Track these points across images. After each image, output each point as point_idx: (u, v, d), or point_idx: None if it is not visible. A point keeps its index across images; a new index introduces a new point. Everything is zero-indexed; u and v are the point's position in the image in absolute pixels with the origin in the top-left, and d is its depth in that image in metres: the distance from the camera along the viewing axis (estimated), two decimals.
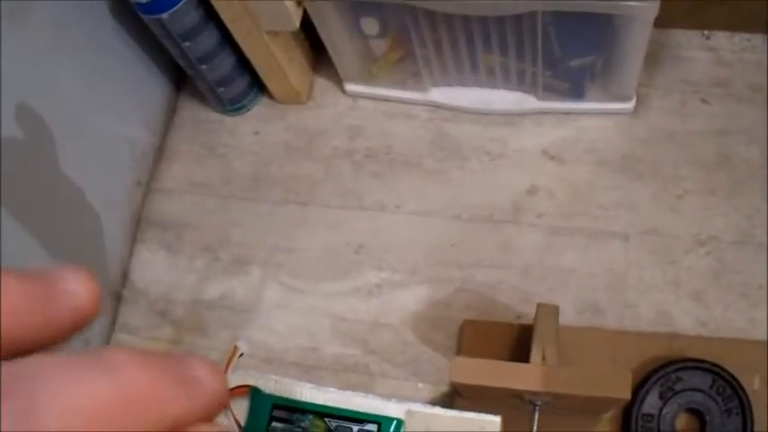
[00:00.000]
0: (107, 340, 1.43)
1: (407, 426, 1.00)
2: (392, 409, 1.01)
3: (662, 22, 1.21)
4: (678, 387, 1.22)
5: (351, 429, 1.01)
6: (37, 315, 0.20)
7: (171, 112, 1.58)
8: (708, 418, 1.20)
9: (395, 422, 0.99)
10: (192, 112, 1.58)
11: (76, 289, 0.22)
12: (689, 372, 1.22)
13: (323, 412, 1.02)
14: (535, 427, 1.08)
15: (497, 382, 1.04)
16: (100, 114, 1.39)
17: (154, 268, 1.47)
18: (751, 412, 1.19)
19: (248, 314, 1.40)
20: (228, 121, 1.56)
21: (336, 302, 1.38)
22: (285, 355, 1.36)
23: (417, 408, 1.01)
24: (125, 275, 1.47)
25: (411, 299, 1.37)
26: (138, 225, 1.51)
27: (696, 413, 1.22)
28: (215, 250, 1.46)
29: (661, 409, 1.21)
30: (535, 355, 1.10)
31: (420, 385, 1.31)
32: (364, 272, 1.39)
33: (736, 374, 1.21)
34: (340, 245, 1.42)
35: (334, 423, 1.01)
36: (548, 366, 1.07)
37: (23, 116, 1.17)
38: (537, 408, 1.08)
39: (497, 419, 1.00)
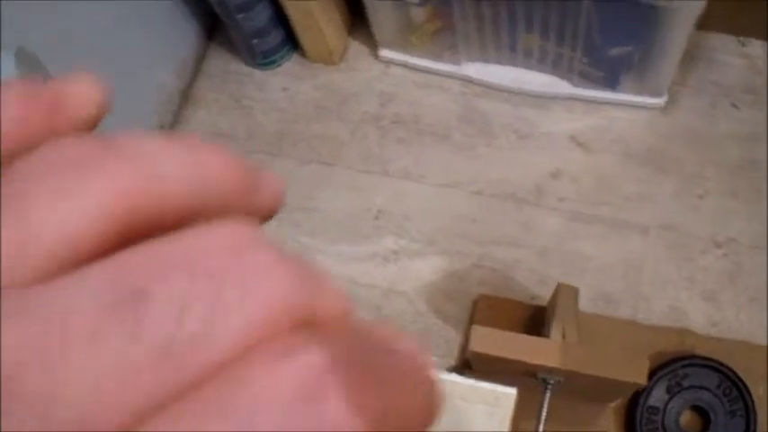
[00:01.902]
0: None
1: None
2: None
3: (700, 24, 1.22)
4: (685, 383, 1.22)
5: None
6: (44, 122, 0.19)
7: (200, 60, 1.57)
8: (712, 417, 1.20)
9: None
10: (222, 62, 1.57)
11: (84, 92, 0.21)
12: (697, 369, 1.22)
13: None
14: (545, 407, 1.08)
15: (517, 355, 1.03)
16: (130, 55, 1.37)
17: None
18: (755, 416, 1.20)
19: None
20: (258, 74, 1.55)
21: (352, 266, 1.38)
22: None
23: None
24: None
25: (427, 269, 1.36)
26: None
27: (701, 411, 1.22)
28: None
29: (667, 404, 1.21)
30: (555, 332, 1.10)
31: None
32: (383, 238, 1.39)
33: (743, 377, 1.21)
34: (360, 209, 1.41)
35: None
36: (568, 344, 1.07)
37: (53, 52, 1.16)
38: (549, 387, 1.08)
39: (513, 391, 1.00)
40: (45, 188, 0.16)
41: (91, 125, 0.22)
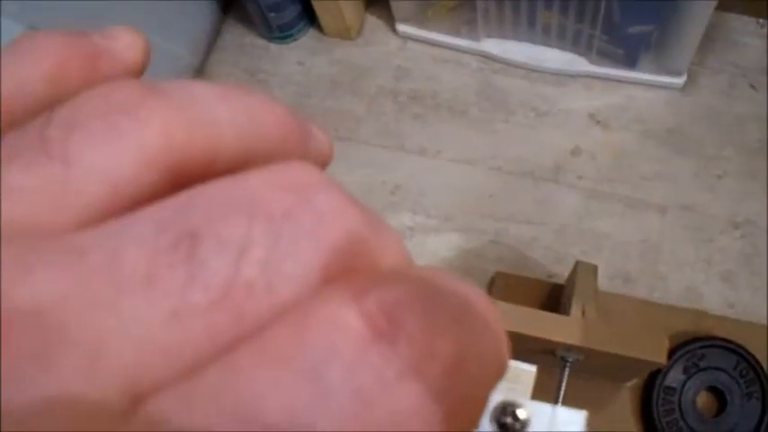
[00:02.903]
0: None
1: None
2: None
3: (720, 4, 1.21)
4: (702, 364, 1.21)
5: None
6: (86, 66, 0.19)
7: (215, 34, 1.56)
8: (728, 398, 1.20)
9: None
10: (237, 36, 1.56)
11: (128, 39, 0.20)
12: (715, 350, 1.22)
13: None
14: (564, 385, 1.07)
15: (537, 332, 1.03)
16: (143, 27, 1.36)
17: None
18: None
19: None
20: (273, 48, 1.53)
21: None
22: None
23: None
24: None
25: (443, 245, 1.35)
26: None
27: (717, 392, 1.22)
28: None
29: (684, 384, 1.21)
30: (575, 309, 1.09)
31: None
32: (399, 213, 1.38)
33: (760, 360, 1.21)
34: (376, 183, 1.40)
35: None
36: (588, 321, 1.06)
37: (66, 20, 1.15)
38: (568, 365, 1.07)
39: (533, 368, 0.99)
40: (88, 132, 0.15)
41: (137, 72, 0.21)
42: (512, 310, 1.04)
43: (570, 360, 1.07)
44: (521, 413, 0.47)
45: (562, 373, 1.08)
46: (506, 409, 0.46)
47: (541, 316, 1.04)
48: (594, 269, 1.15)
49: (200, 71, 1.53)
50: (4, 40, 0.99)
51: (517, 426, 0.47)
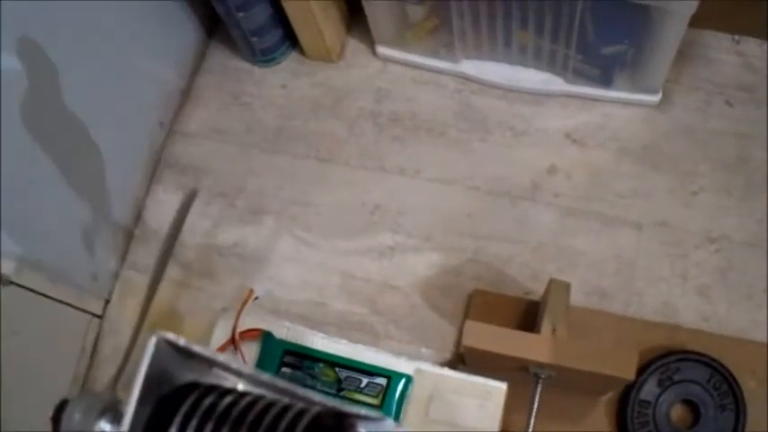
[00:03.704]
0: (115, 277, 1.44)
1: (416, 383, 1.02)
2: (403, 365, 1.02)
3: (695, 21, 1.23)
4: (677, 377, 1.23)
5: (360, 381, 1.02)
6: None
7: (200, 57, 1.59)
8: (702, 410, 1.22)
9: (404, 378, 1.01)
10: (222, 59, 1.59)
11: None
12: (689, 363, 1.24)
13: (333, 362, 1.03)
14: (536, 400, 1.10)
15: (508, 350, 1.05)
16: (131, 51, 1.39)
17: (168, 210, 1.47)
18: (745, 410, 1.21)
19: (258, 264, 1.41)
20: (257, 71, 1.56)
21: (348, 260, 1.40)
22: (291, 308, 1.38)
23: (427, 367, 1.03)
24: (139, 215, 1.48)
25: (422, 264, 1.38)
26: (156, 166, 1.51)
27: (691, 405, 1.24)
28: (231, 197, 1.47)
29: (658, 397, 1.23)
30: (546, 327, 1.12)
31: (423, 350, 1.33)
32: (379, 233, 1.40)
33: (734, 372, 1.23)
34: (357, 204, 1.43)
35: (344, 373, 1.03)
36: (557, 339, 1.09)
37: (55, 45, 1.18)
38: (540, 381, 1.10)
39: (503, 386, 1.02)
40: None
41: None
42: (483, 329, 1.07)
43: (543, 376, 1.09)
44: None
45: (535, 389, 1.10)
46: None
47: (511, 334, 1.07)
48: (567, 287, 1.17)
49: (186, 93, 1.56)
50: (5, 43, 1.02)
51: None
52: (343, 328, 1.35)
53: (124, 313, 1.41)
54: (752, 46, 1.48)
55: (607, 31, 1.31)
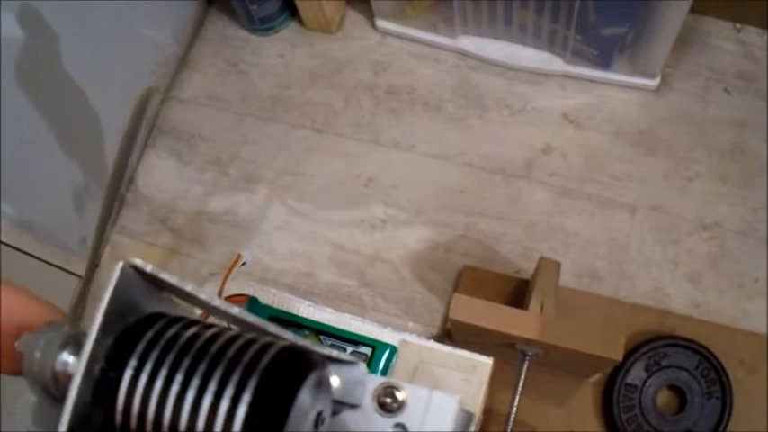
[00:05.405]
0: (105, 241, 1.43)
1: (401, 354, 1.01)
2: (388, 335, 1.02)
3: (696, 7, 1.23)
4: (664, 363, 1.23)
5: (345, 349, 1.01)
6: None
7: (199, 24, 1.58)
8: (689, 397, 1.21)
9: (389, 348, 1.00)
10: (220, 27, 1.58)
11: None
12: (677, 349, 1.23)
13: (319, 329, 1.03)
14: (522, 378, 1.09)
15: (494, 325, 1.04)
16: (130, 15, 1.38)
17: (161, 176, 1.47)
18: (731, 399, 1.21)
19: (249, 232, 1.41)
20: (255, 40, 1.55)
21: (339, 232, 1.39)
22: (280, 277, 1.37)
23: (412, 339, 1.02)
24: (131, 179, 1.47)
25: (413, 238, 1.37)
26: (150, 131, 1.50)
27: (678, 391, 1.23)
28: (225, 165, 1.46)
29: (645, 382, 1.23)
30: (534, 304, 1.11)
31: (411, 324, 1.32)
32: (371, 205, 1.40)
33: (722, 360, 1.22)
34: (350, 176, 1.42)
35: (329, 341, 1.02)
36: (545, 317, 1.08)
37: (55, 10, 1.17)
38: (527, 359, 1.09)
39: (489, 360, 1.01)
40: None
41: None
42: (471, 303, 1.06)
43: (530, 354, 1.09)
44: (399, 394, 0.50)
45: (521, 366, 1.09)
46: (387, 390, 0.50)
47: (499, 309, 1.06)
48: (557, 266, 1.17)
49: (183, 60, 1.55)
50: (4, 33, 1.02)
51: (395, 405, 0.50)
52: (332, 299, 1.35)
53: None
54: (753, 35, 1.47)
55: (608, 12, 1.30)
